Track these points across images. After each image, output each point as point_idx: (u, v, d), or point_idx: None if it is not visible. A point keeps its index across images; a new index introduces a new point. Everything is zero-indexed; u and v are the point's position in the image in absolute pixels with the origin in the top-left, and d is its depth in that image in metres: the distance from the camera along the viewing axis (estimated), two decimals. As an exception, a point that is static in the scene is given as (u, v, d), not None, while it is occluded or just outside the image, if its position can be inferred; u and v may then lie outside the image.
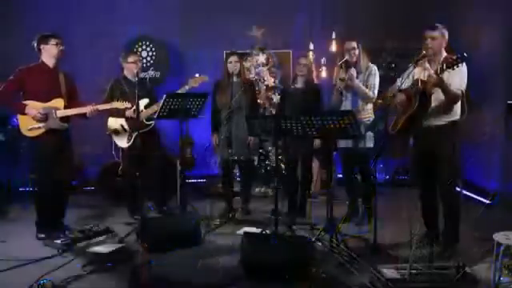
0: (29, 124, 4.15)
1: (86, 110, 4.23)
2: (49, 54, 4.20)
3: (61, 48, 4.21)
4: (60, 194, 4.40)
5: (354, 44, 4.50)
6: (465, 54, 3.32)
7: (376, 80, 4.54)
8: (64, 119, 4.21)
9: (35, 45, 4.21)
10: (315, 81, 4.95)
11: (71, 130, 4.43)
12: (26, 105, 4.13)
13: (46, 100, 4.17)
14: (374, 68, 4.58)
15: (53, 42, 4.18)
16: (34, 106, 4.12)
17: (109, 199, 5.81)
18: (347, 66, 4.55)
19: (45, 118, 4.13)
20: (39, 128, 4.15)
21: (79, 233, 4.17)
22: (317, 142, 4.82)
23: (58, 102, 4.19)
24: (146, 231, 3.93)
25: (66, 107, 4.21)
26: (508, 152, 5.33)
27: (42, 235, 4.26)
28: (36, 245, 4.14)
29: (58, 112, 4.16)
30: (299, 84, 4.81)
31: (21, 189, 5.89)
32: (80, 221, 4.91)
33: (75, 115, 4.27)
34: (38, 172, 4.36)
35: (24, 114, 4.12)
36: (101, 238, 4.23)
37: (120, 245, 4.04)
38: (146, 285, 3.22)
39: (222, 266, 3.56)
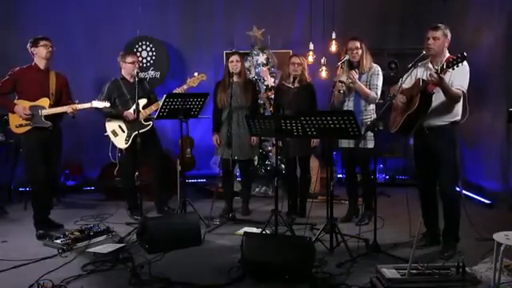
0: (17, 122, 4.33)
1: (67, 109, 4.36)
2: (39, 55, 4.38)
3: (50, 49, 4.37)
4: (48, 190, 4.50)
5: (358, 44, 4.48)
6: (465, 54, 3.32)
7: (379, 81, 4.52)
8: (49, 118, 4.34)
9: (29, 48, 4.39)
10: (309, 79, 4.91)
11: (62, 129, 4.57)
12: (14, 104, 4.32)
13: (35, 99, 4.35)
14: (378, 68, 4.56)
15: (41, 43, 4.35)
16: (21, 105, 4.30)
17: (109, 199, 5.82)
18: (350, 65, 4.54)
19: (31, 116, 4.29)
20: (26, 125, 4.31)
21: (79, 233, 4.18)
22: (314, 141, 4.81)
23: (44, 102, 4.36)
24: (146, 231, 3.93)
25: (52, 106, 4.36)
26: (508, 152, 5.33)
27: (41, 232, 4.31)
28: (36, 245, 4.14)
29: (43, 111, 4.32)
30: (293, 83, 4.77)
31: (21, 189, 5.91)
32: (80, 221, 4.91)
33: (65, 113, 4.41)
34: (27, 169, 4.51)
35: (13, 112, 4.30)
36: (101, 238, 4.24)
37: (120, 245, 4.04)
38: (146, 285, 3.22)
39: (222, 266, 3.56)
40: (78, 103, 4.40)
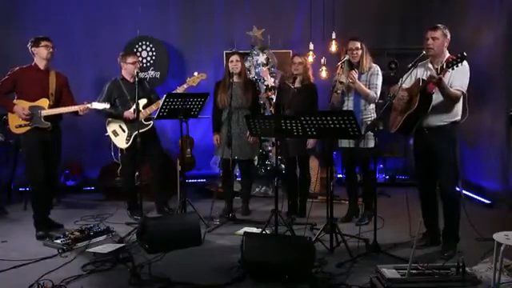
0: (16, 122, 4.32)
1: (67, 110, 4.39)
2: (40, 55, 4.38)
3: (50, 50, 4.38)
4: (48, 190, 4.51)
5: (358, 44, 4.48)
6: (464, 54, 3.32)
7: (379, 80, 4.52)
8: (48, 118, 4.34)
9: (30, 48, 4.38)
10: (311, 79, 4.91)
11: (62, 129, 4.58)
12: (14, 104, 4.31)
13: (34, 100, 4.34)
14: (377, 68, 4.57)
15: (43, 44, 4.35)
16: (21, 105, 4.29)
17: (109, 199, 5.82)
18: (350, 65, 4.54)
19: (30, 116, 4.28)
20: (25, 126, 4.31)
21: (79, 233, 4.18)
22: (310, 142, 4.80)
23: (43, 102, 4.36)
24: (146, 231, 3.93)
25: (51, 106, 4.36)
26: (508, 152, 5.33)
27: (41, 233, 4.31)
28: (36, 245, 4.14)
29: (42, 111, 4.32)
30: (296, 83, 4.76)
31: (21, 189, 5.91)
32: (80, 221, 4.91)
33: (67, 113, 4.43)
34: (27, 169, 4.52)
35: (12, 112, 4.30)
36: (101, 238, 4.24)
37: (120, 245, 4.04)
38: (146, 285, 3.22)
39: (222, 266, 3.56)
40: (87, 103, 4.41)
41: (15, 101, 4.33)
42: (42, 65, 4.39)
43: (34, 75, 4.36)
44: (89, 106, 4.42)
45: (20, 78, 4.34)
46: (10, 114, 4.34)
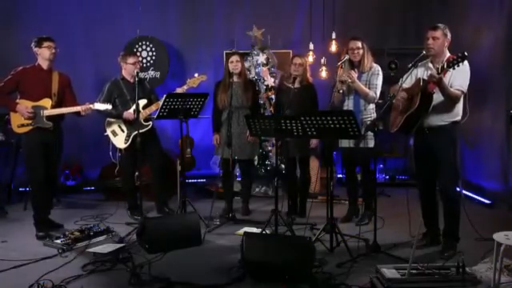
0: (18, 121, 4.33)
1: (69, 110, 4.40)
2: (42, 56, 4.39)
3: (53, 51, 4.38)
4: (48, 190, 4.51)
5: (359, 44, 4.48)
6: (465, 53, 3.32)
7: (379, 80, 4.52)
8: (50, 118, 4.35)
9: (33, 48, 4.38)
10: (310, 79, 4.92)
11: (63, 129, 4.58)
12: (17, 103, 4.31)
13: (37, 99, 4.35)
14: (378, 68, 4.57)
15: (45, 44, 4.36)
16: (24, 105, 4.30)
17: (109, 199, 5.82)
18: (351, 65, 4.54)
19: (33, 116, 4.29)
20: (28, 125, 4.31)
21: (79, 233, 4.18)
22: (314, 141, 4.81)
23: (46, 102, 4.36)
24: (146, 231, 3.93)
25: (54, 107, 4.37)
26: (508, 152, 5.33)
27: (41, 233, 4.31)
28: (36, 245, 4.14)
29: (45, 111, 4.33)
30: (295, 84, 4.77)
31: (21, 189, 5.92)
32: (80, 221, 4.91)
33: (69, 113, 4.44)
34: (27, 168, 4.52)
35: (15, 111, 4.30)
36: (101, 238, 4.24)
37: (120, 245, 4.04)
38: (146, 285, 3.22)
39: (222, 266, 3.56)
40: (89, 103, 4.42)
41: (18, 100, 4.33)
42: (45, 65, 4.39)
43: (37, 75, 4.36)
44: (91, 106, 4.43)
45: (23, 78, 4.34)
46: (12, 114, 4.35)
